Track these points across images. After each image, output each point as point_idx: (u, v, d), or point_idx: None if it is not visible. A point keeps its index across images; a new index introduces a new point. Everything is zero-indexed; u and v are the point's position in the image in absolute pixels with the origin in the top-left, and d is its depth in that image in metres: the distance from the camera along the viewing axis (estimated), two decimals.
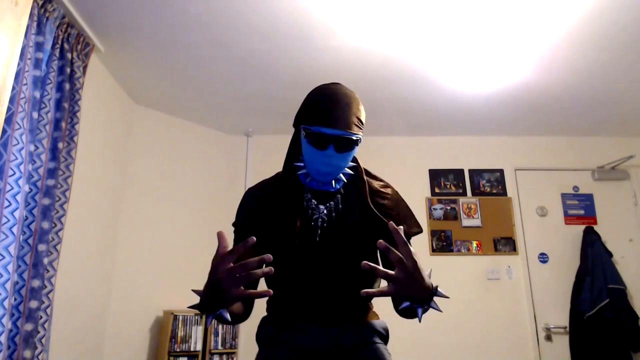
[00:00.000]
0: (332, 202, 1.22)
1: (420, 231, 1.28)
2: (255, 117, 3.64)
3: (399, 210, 1.27)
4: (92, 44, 2.57)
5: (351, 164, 1.25)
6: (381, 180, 1.33)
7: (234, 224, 1.31)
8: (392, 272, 0.90)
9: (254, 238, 0.85)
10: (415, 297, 0.94)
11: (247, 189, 1.35)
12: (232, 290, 0.89)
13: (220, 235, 0.90)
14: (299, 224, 1.19)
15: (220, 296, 0.90)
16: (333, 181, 1.22)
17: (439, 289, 0.97)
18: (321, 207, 1.22)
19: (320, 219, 1.21)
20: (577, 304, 3.34)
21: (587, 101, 3.30)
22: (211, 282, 0.90)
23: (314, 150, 1.14)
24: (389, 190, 1.30)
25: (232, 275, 0.88)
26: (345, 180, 1.24)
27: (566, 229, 3.67)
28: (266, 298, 1.32)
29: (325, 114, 1.12)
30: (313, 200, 1.22)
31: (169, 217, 3.44)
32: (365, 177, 1.27)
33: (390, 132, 3.89)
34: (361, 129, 1.16)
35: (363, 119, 1.17)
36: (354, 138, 1.14)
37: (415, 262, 0.91)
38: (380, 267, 0.90)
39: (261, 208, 1.25)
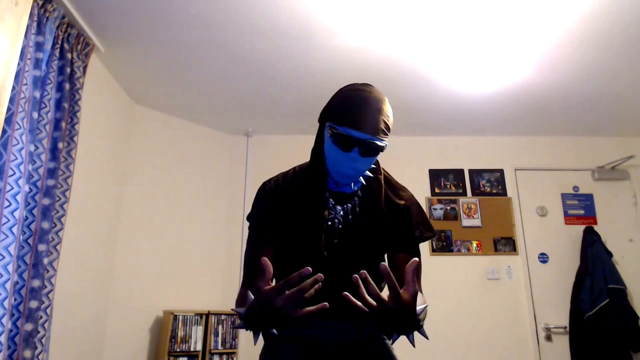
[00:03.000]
0: (349, 205, 1.22)
1: (433, 235, 1.27)
2: (255, 117, 3.64)
3: (413, 215, 1.26)
4: (92, 44, 2.57)
5: (373, 166, 1.24)
6: (398, 184, 1.31)
7: (249, 217, 1.28)
8: (385, 298, 0.89)
9: (310, 269, 0.84)
10: (395, 326, 0.93)
11: (262, 183, 1.32)
12: (292, 313, 0.90)
13: (265, 264, 0.90)
14: (324, 227, 1.18)
15: (282, 320, 0.91)
16: (352, 183, 1.21)
17: (423, 327, 0.97)
18: (338, 207, 1.22)
19: (336, 220, 1.20)
20: (577, 303, 3.34)
21: (587, 101, 3.30)
22: (269, 311, 0.90)
23: (337, 151, 1.12)
24: (404, 194, 1.29)
25: (291, 301, 0.88)
26: (364, 183, 1.24)
27: (566, 229, 3.67)
28: None
29: (354, 116, 1.09)
30: (331, 200, 1.22)
31: (168, 216, 3.44)
32: (382, 181, 1.26)
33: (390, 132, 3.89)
34: (387, 135, 1.14)
35: (391, 125, 1.15)
36: (380, 144, 1.12)
37: (409, 302, 0.89)
38: (373, 286, 0.89)
39: (281, 204, 1.23)
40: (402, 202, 1.26)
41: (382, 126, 1.11)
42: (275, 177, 1.31)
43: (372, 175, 1.25)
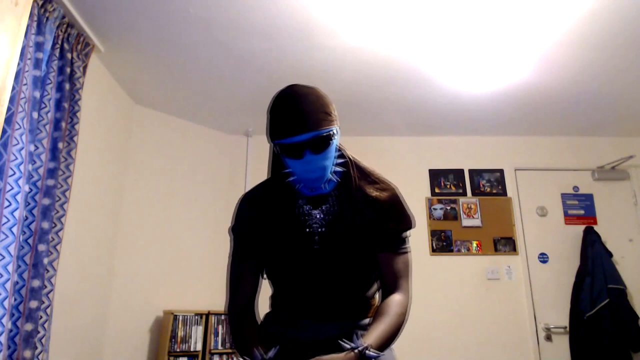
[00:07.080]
0: (325, 206, 1.22)
1: (410, 226, 1.23)
2: (255, 117, 3.64)
3: (390, 206, 1.22)
4: (92, 44, 2.57)
5: (341, 160, 1.22)
6: (372, 174, 1.28)
7: (231, 230, 1.30)
8: None
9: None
10: None
11: (244, 193, 1.35)
12: None
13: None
14: (292, 234, 1.20)
15: None
16: (325, 183, 1.20)
17: (370, 351, 1.03)
18: (315, 212, 1.21)
19: (315, 224, 1.20)
20: (577, 304, 3.34)
21: (587, 101, 3.30)
22: None
23: (293, 161, 1.13)
24: (380, 186, 1.25)
25: None
26: (337, 180, 1.22)
27: (566, 229, 3.67)
28: (269, 294, 1.34)
29: (288, 123, 1.09)
30: (305, 206, 1.22)
31: (169, 217, 3.44)
32: (354, 174, 1.23)
33: (390, 132, 3.89)
34: (332, 120, 1.13)
35: (330, 110, 1.14)
36: (325, 134, 1.11)
37: None
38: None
39: (257, 215, 1.25)
40: (376, 193, 1.22)
41: (320, 116, 1.10)
42: (254, 188, 1.33)
43: (345, 169, 1.22)
